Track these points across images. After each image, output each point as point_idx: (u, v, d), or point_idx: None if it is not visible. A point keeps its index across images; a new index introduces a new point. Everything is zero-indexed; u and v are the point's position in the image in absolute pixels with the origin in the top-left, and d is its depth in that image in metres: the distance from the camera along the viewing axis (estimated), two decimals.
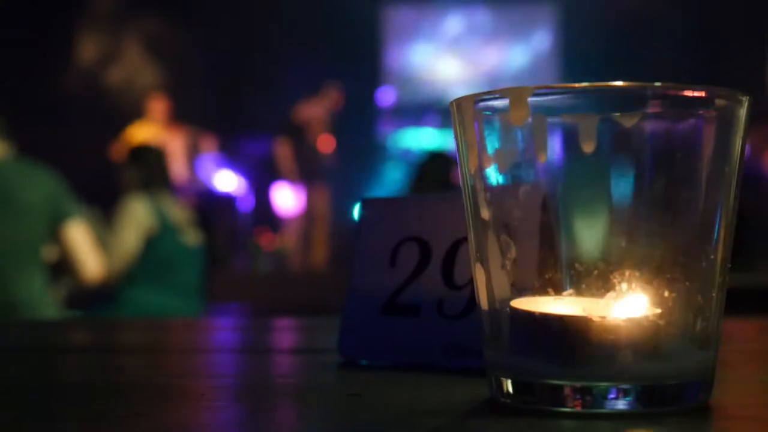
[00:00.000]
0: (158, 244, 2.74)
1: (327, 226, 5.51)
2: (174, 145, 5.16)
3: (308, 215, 5.44)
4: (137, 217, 2.71)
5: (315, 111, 5.45)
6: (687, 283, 0.37)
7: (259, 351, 0.67)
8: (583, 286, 0.36)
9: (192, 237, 2.89)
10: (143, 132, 5.06)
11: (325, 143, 5.52)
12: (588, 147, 0.36)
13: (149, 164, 2.88)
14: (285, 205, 5.61)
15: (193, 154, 5.42)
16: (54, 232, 2.37)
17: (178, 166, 5.11)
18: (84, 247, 2.39)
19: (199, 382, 0.51)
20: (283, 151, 5.39)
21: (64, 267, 2.44)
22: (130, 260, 2.70)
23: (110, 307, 2.69)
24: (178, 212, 2.89)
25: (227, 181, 5.66)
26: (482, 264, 0.39)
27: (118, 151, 4.62)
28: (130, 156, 2.99)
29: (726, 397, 0.41)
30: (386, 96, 6.59)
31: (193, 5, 6.30)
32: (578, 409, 0.36)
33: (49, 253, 2.40)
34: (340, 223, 5.40)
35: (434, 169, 2.96)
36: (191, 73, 6.19)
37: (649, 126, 0.36)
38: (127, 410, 0.41)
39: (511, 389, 0.38)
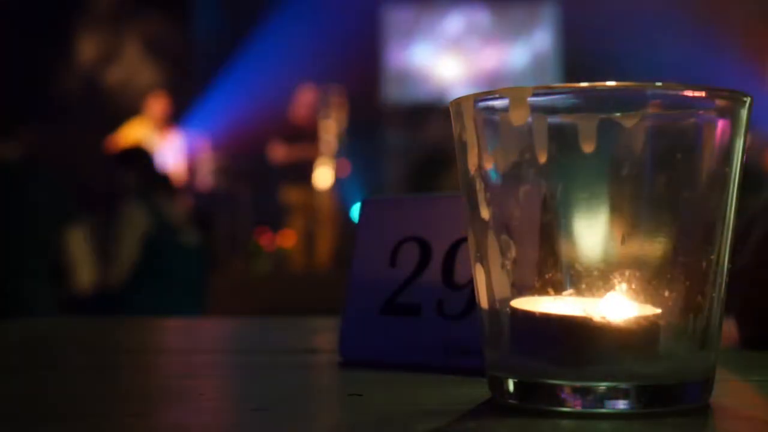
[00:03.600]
0: (157, 245, 2.74)
1: (330, 225, 5.49)
2: (167, 145, 5.14)
3: (310, 215, 5.42)
4: (135, 223, 2.71)
5: (306, 112, 5.38)
6: (687, 283, 0.37)
7: (258, 351, 0.67)
8: (583, 286, 0.36)
9: (191, 237, 2.89)
10: (137, 130, 5.02)
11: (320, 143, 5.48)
12: (588, 147, 0.36)
13: (141, 167, 2.88)
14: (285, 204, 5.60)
15: (189, 154, 5.41)
16: (54, 233, 2.37)
17: (173, 167, 5.09)
18: (79, 253, 2.40)
19: (199, 382, 0.51)
20: (279, 152, 5.35)
21: (61, 270, 2.45)
22: (131, 265, 2.70)
23: (110, 307, 2.70)
24: (177, 212, 2.89)
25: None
26: (482, 264, 0.39)
27: (111, 149, 4.62)
28: (121, 160, 2.99)
29: (726, 397, 0.41)
30: (386, 95, 6.58)
31: (193, 5, 6.30)
32: (578, 409, 0.36)
33: (50, 253, 2.40)
34: (341, 223, 5.40)
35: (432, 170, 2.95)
36: (191, 73, 6.19)
37: (649, 126, 0.36)
38: (127, 410, 0.41)
39: (511, 389, 0.38)
